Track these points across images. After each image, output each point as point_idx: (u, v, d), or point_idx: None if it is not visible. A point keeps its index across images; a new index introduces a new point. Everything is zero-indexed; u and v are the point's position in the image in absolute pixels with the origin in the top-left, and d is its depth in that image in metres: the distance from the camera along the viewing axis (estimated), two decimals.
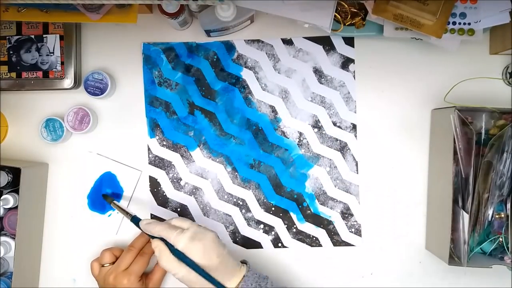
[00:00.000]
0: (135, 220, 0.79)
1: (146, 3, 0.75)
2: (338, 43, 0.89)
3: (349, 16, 0.82)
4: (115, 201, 0.87)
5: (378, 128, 0.89)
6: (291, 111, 0.89)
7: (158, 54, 0.89)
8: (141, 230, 0.77)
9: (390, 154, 0.89)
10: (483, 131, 0.81)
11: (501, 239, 0.80)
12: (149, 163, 0.89)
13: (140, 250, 0.84)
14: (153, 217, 0.89)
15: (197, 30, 0.89)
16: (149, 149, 0.89)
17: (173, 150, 0.89)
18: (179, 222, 0.74)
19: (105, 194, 0.89)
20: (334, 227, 0.89)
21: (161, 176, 0.89)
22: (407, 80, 0.89)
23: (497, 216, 0.80)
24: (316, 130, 0.89)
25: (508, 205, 0.79)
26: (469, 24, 0.77)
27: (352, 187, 0.89)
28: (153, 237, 0.74)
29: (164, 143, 0.89)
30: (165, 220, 0.77)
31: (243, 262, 0.76)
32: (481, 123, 0.81)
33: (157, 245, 0.72)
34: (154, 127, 0.89)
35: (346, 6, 0.81)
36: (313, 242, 0.89)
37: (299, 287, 0.89)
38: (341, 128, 0.89)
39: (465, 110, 0.79)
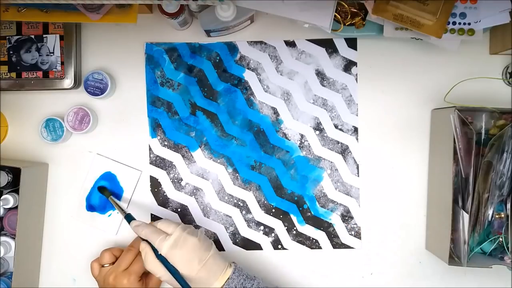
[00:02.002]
0: (128, 219, 0.81)
1: (146, 3, 0.75)
2: (341, 45, 0.89)
3: (349, 16, 0.82)
4: (112, 197, 0.87)
5: (379, 129, 0.89)
6: (293, 113, 0.89)
7: (161, 54, 0.89)
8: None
9: (391, 155, 0.89)
10: (483, 131, 0.81)
11: (501, 239, 0.80)
12: (150, 163, 0.89)
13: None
14: (153, 217, 0.89)
15: (197, 30, 0.89)
16: (150, 149, 0.89)
17: (174, 151, 0.89)
18: (164, 226, 0.76)
19: (102, 187, 0.89)
20: (334, 229, 0.89)
21: (162, 176, 0.89)
22: (407, 80, 0.89)
23: (497, 216, 0.80)
24: (317, 132, 0.89)
25: (508, 205, 0.79)
26: (469, 24, 0.77)
27: (352, 190, 0.89)
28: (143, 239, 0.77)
29: (166, 143, 0.89)
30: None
31: (233, 263, 0.78)
32: (481, 123, 0.81)
33: (143, 247, 0.75)
34: (155, 127, 0.89)
35: (346, 6, 0.82)
36: (313, 244, 0.89)
37: (295, 287, 0.89)
38: (343, 131, 0.89)
39: (465, 110, 0.79)
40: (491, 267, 0.79)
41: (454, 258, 0.80)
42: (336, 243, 0.89)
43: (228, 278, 0.74)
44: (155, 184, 0.90)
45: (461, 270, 0.79)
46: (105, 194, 0.88)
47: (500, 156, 0.78)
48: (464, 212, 0.78)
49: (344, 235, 0.89)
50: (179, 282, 0.72)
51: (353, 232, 0.89)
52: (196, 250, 0.74)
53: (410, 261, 0.88)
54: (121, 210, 0.84)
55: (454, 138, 0.77)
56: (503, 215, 0.80)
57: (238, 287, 0.74)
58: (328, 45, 0.89)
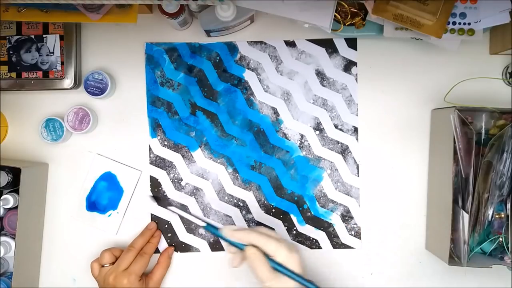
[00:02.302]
0: (211, 229, 0.77)
1: (146, 3, 0.75)
2: (341, 45, 0.89)
3: (349, 16, 0.82)
4: (170, 207, 0.86)
5: (379, 129, 0.89)
6: (293, 113, 0.89)
7: (161, 54, 0.89)
8: (222, 237, 0.73)
9: (391, 155, 0.89)
10: (483, 131, 0.81)
11: (501, 239, 0.80)
12: (150, 163, 0.89)
13: (140, 250, 0.85)
14: (153, 217, 0.89)
15: (197, 30, 0.89)
16: (150, 149, 0.89)
17: (174, 151, 0.89)
18: (268, 231, 0.72)
19: (156, 197, 0.89)
20: (334, 229, 0.89)
21: (162, 176, 0.89)
22: (407, 80, 0.89)
23: (497, 216, 0.80)
24: (317, 132, 0.89)
25: (508, 205, 0.79)
26: (469, 24, 0.77)
27: (352, 190, 0.89)
28: (232, 243, 0.72)
29: (166, 143, 0.89)
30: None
31: None
32: (481, 123, 0.81)
33: (253, 253, 0.69)
34: (155, 127, 0.89)
35: (346, 6, 0.82)
36: (313, 244, 0.89)
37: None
38: (343, 131, 0.89)
39: (465, 110, 0.79)
40: (491, 267, 0.79)
41: (454, 258, 0.80)
42: (336, 243, 0.89)
43: None
44: (155, 184, 0.89)
45: (461, 270, 0.79)
46: (162, 204, 0.87)
47: (500, 156, 0.78)
48: (464, 212, 0.78)
49: (344, 235, 0.89)
50: (304, 283, 0.69)
51: (353, 232, 0.89)
52: (300, 256, 0.71)
53: (410, 261, 0.88)
54: (198, 219, 0.81)
55: (454, 138, 0.77)
56: (503, 215, 0.80)
57: None
58: (328, 45, 0.89)
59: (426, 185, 0.89)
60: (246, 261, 0.71)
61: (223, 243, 0.74)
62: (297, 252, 0.70)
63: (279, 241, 0.70)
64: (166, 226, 0.89)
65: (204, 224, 0.78)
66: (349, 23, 0.83)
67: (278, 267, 0.69)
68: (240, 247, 0.71)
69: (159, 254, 0.88)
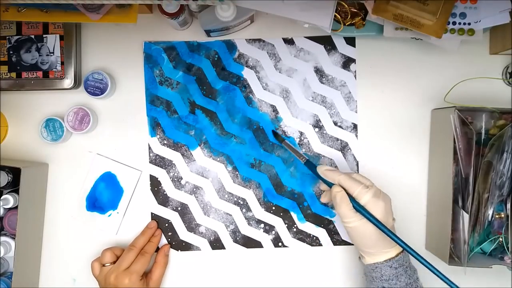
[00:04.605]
0: (310, 165, 0.80)
1: (146, 3, 0.75)
2: (339, 43, 0.89)
3: (349, 16, 0.82)
4: (286, 141, 0.86)
5: (378, 128, 0.89)
6: (292, 110, 0.89)
7: (159, 53, 0.89)
8: (317, 174, 0.77)
9: (390, 154, 0.89)
10: (483, 131, 0.81)
11: (501, 239, 0.80)
12: (149, 162, 0.89)
13: (141, 250, 0.85)
14: (153, 216, 0.89)
15: (197, 30, 0.89)
16: (150, 148, 0.89)
17: (174, 149, 0.89)
18: (360, 177, 0.75)
19: (276, 132, 0.88)
20: (334, 226, 0.89)
21: (161, 175, 0.89)
22: (407, 80, 0.89)
23: (497, 216, 0.80)
24: (317, 129, 0.89)
25: (508, 205, 0.79)
26: (469, 24, 0.77)
27: None
28: (323, 180, 0.76)
29: (165, 142, 0.89)
30: None
31: None
32: (481, 123, 0.81)
33: (339, 191, 0.73)
34: (155, 126, 0.89)
35: (346, 6, 0.82)
36: (313, 241, 0.89)
37: (299, 287, 0.89)
38: (342, 128, 0.89)
39: (465, 110, 0.79)
40: (491, 267, 0.79)
41: (454, 258, 0.80)
42: (337, 240, 0.89)
43: (402, 252, 0.75)
44: (155, 183, 0.90)
45: (461, 270, 0.79)
46: (279, 139, 0.86)
47: (500, 156, 0.78)
48: (464, 212, 0.78)
49: (344, 232, 0.89)
50: (380, 228, 0.71)
51: None
52: (390, 206, 0.75)
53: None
54: (299, 155, 0.81)
55: (454, 138, 0.77)
56: (503, 215, 0.80)
57: (405, 266, 0.75)
58: (327, 42, 0.89)
59: (426, 185, 0.89)
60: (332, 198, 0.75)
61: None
62: (385, 201, 0.73)
63: (367, 186, 0.73)
64: (167, 225, 0.89)
65: (304, 160, 0.80)
66: (349, 23, 0.83)
67: (358, 208, 0.72)
68: (329, 185, 0.76)
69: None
